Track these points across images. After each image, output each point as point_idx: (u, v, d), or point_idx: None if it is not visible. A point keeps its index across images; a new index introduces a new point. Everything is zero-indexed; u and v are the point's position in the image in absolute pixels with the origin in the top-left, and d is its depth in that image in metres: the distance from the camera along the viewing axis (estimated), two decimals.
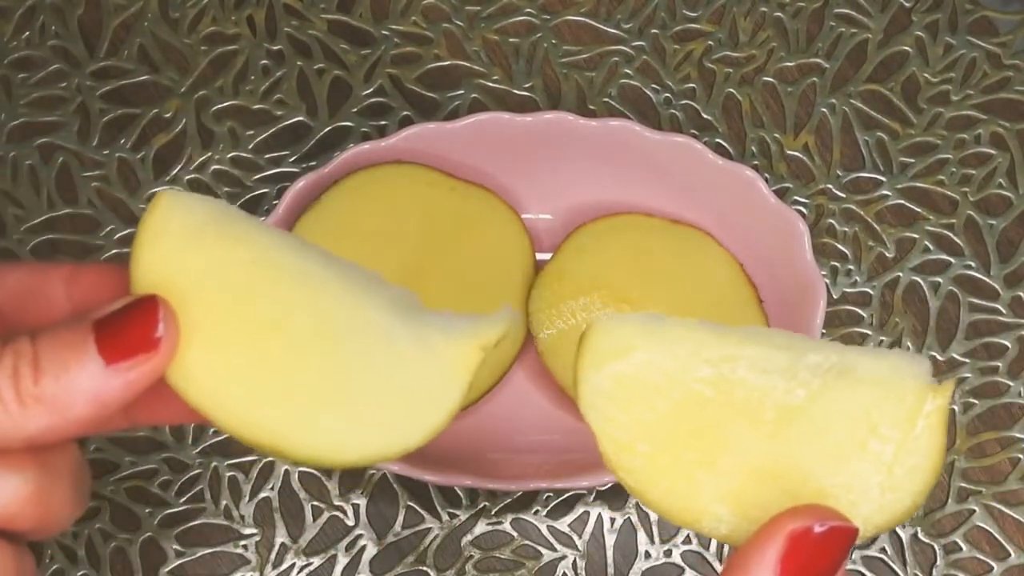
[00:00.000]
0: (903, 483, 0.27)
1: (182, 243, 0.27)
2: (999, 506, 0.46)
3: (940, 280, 0.48)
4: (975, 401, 0.47)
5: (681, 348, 0.27)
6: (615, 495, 0.46)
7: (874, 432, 0.27)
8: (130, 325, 0.26)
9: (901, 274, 0.48)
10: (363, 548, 0.45)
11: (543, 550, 0.45)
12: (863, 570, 0.45)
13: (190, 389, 0.27)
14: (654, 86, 0.50)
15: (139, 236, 0.27)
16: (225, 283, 0.27)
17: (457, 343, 0.28)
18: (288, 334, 0.27)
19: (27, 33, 0.50)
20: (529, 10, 0.51)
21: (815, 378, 0.27)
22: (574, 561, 0.45)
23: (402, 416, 0.27)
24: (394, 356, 0.28)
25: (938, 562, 0.45)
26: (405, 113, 0.49)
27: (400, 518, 0.45)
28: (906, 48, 0.50)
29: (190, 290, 0.27)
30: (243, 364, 0.27)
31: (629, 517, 0.46)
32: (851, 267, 0.48)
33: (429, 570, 0.45)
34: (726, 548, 0.45)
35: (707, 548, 0.45)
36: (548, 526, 0.46)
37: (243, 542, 0.45)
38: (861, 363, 0.27)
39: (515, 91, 0.50)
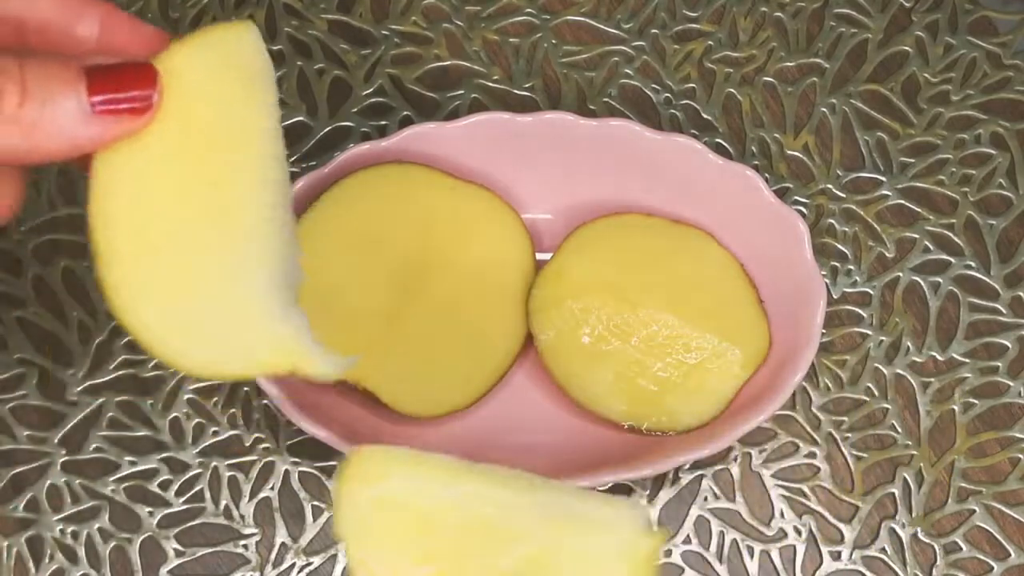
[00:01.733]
0: None
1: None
2: (999, 506, 0.46)
3: (940, 280, 0.48)
4: (975, 401, 0.47)
5: (434, 481, 0.30)
6: (614, 495, 0.46)
7: (598, 572, 0.30)
8: (129, 82, 0.27)
9: (901, 274, 0.48)
10: None
11: None
12: (863, 570, 0.45)
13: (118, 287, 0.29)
14: (654, 86, 0.50)
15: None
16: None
17: (286, 345, 0.30)
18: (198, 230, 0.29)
19: None
20: (529, 10, 0.51)
21: (550, 519, 0.30)
22: None
23: (223, 351, 0.30)
24: (250, 302, 0.30)
25: (938, 562, 0.45)
26: (405, 113, 0.49)
27: None
28: (906, 48, 0.51)
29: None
30: (164, 252, 0.29)
31: None
32: (851, 267, 0.48)
33: None
34: (726, 548, 0.45)
35: (707, 548, 0.45)
36: None
37: (243, 542, 0.45)
38: (589, 508, 0.30)
39: (515, 91, 0.50)
